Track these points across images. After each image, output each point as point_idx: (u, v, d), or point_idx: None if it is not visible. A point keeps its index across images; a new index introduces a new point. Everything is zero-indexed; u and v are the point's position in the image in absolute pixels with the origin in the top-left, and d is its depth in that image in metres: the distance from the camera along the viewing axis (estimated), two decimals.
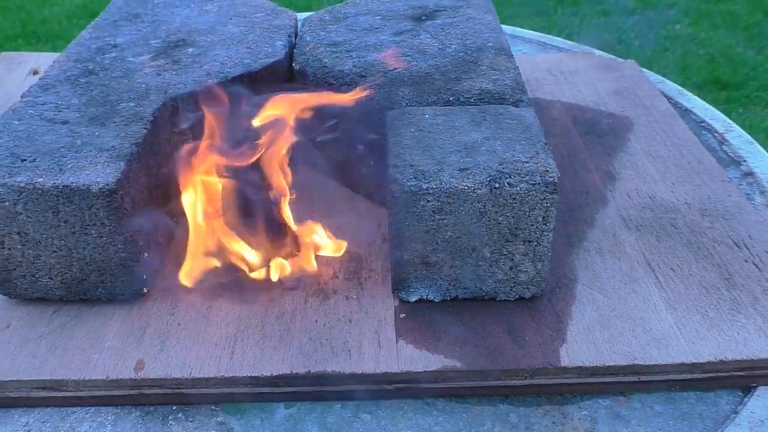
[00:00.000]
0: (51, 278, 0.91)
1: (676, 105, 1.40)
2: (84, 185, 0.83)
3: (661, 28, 3.52)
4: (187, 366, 0.85)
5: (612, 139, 1.26)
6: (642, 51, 3.32)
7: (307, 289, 0.97)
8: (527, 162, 0.86)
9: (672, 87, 1.48)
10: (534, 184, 0.84)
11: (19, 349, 0.88)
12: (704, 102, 1.42)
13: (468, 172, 0.85)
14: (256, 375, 0.84)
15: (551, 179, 0.84)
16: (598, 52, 1.57)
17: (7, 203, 0.84)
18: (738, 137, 1.30)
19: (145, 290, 0.94)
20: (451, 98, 1.01)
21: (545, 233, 0.87)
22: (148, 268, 0.94)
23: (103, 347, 0.88)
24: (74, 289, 0.92)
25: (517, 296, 0.93)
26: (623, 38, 3.48)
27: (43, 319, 0.92)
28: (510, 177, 0.84)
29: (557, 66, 1.49)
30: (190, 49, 1.12)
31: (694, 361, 0.84)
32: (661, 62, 3.10)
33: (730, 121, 1.35)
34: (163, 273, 0.98)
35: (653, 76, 1.50)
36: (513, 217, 0.86)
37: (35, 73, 1.47)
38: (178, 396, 0.86)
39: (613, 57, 1.55)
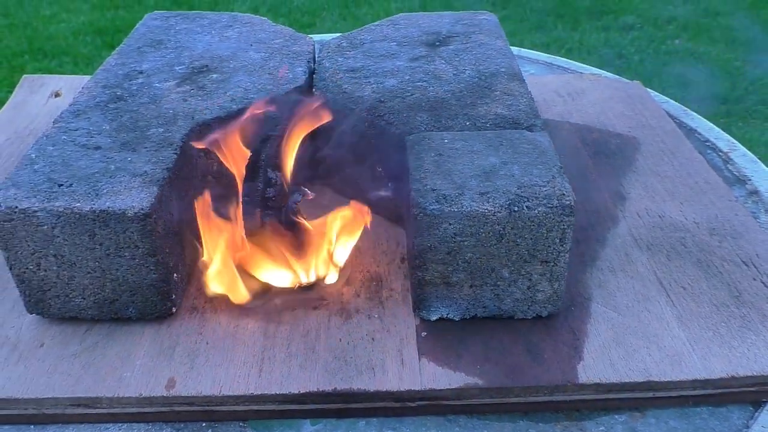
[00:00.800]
0: (84, 298, 0.94)
1: (680, 124, 1.44)
2: (120, 210, 0.86)
3: (661, 43, 3.58)
4: (217, 384, 0.88)
5: (620, 159, 1.29)
6: (642, 66, 3.38)
7: (330, 308, 1.00)
8: (544, 186, 0.89)
9: (676, 107, 1.52)
10: (551, 207, 0.87)
11: (53, 368, 0.91)
12: (708, 121, 1.46)
13: (488, 196, 0.88)
14: (284, 392, 0.88)
15: (567, 202, 0.87)
16: (604, 74, 1.61)
17: (46, 227, 0.87)
18: (742, 156, 1.34)
19: (174, 309, 0.97)
20: (467, 123, 1.04)
21: (562, 254, 0.91)
22: (176, 289, 0.97)
23: (135, 365, 0.91)
24: (106, 308, 0.95)
25: (535, 315, 0.96)
26: (623, 53, 3.53)
27: (76, 338, 0.95)
28: (528, 200, 0.88)
29: (564, 87, 1.53)
30: (214, 75, 1.16)
31: (707, 377, 0.87)
32: (661, 77, 3.16)
33: (734, 141, 1.39)
34: (190, 293, 1.02)
35: (658, 96, 1.54)
36: (531, 238, 0.89)
37: (57, 95, 1.50)
38: (207, 413, 0.89)
39: (619, 78, 1.59)
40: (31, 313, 0.96)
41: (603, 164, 1.28)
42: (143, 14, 4.08)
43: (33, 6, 3.95)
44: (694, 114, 1.48)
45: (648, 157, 1.29)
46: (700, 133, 1.41)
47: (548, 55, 1.79)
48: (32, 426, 0.89)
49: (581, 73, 1.63)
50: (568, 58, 1.85)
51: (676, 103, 1.52)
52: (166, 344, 0.94)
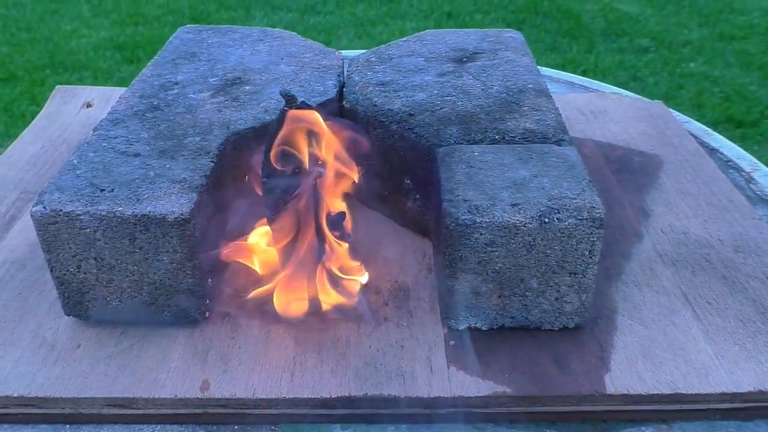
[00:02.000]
0: (121, 301, 0.96)
1: (702, 144, 1.46)
2: (161, 214, 0.89)
3: (676, 66, 3.60)
4: (251, 387, 0.90)
5: (643, 177, 1.31)
6: (657, 88, 3.40)
7: (360, 318, 1.01)
8: (575, 198, 0.91)
9: (698, 126, 1.54)
10: (581, 219, 0.89)
11: (90, 369, 0.92)
12: (730, 142, 1.47)
13: (519, 207, 0.90)
14: (316, 397, 0.89)
15: (598, 215, 0.89)
16: (626, 93, 1.63)
17: (88, 230, 0.89)
18: (765, 176, 1.35)
19: (207, 314, 0.99)
20: (497, 137, 1.06)
21: (590, 266, 0.92)
22: (211, 293, 0.99)
23: (170, 368, 0.93)
24: (142, 311, 0.97)
25: (562, 326, 0.97)
26: (638, 75, 3.56)
27: (112, 340, 0.97)
28: (559, 212, 0.89)
29: (587, 105, 1.56)
30: (247, 87, 1.18)
31: (735, 390, 0.88)
32: (676, 99, 3.18)
33: (757, 161, 1.40)
34: (222, 298, 1.04)
35: (679, 116, 1.56)
36: (561, 250, 0.91)
37: (89, 105, 1.54)
38: (240, 416, 0.90)
39: (641, 97, 1.62)
40: (69, 315, 0.98)
41: (626, 181, 1.30)
42: (162, 31, 4.16)
43: (55, 21, 4.03)
44: (716, 134, 1.50)
45: (671, 175, 1.31)
46: (722, 153, 1.42)
47: (569, 74, 1.81)
48: (68, 425, 0.91)
49: (603, 92, 1.65)
50: None
51: (698, 123, 1.53)
52: (200, 348, 0.96)
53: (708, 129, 1.53)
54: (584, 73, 3.47)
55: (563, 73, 1.80)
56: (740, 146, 1.47)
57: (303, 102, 0.99)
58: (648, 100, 1.60)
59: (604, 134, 1.45)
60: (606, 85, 1.74)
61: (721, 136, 1.50)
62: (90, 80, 3.36)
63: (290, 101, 0.96)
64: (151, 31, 3.87)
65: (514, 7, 4.23)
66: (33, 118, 1.49)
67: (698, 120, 1.59)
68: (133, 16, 4.06)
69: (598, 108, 1.55)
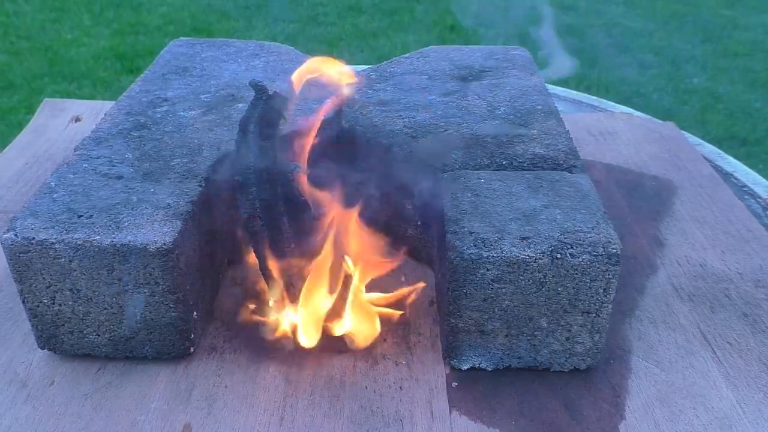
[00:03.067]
0: (99, 335, 0.89)
1: (716, 168, 1.39)
2: (141, 244, 0.82)
3: (680, 82, 3.56)
4: None
5: (657, 203, 1.24)
6: (660, 104, 3.35)
7: (356, 353, 0.95)
8: (589, 232, 0.85)
9: (711, 150, 1.47)
10: (597, 256, 0.82)
11: (64, 408, 0.86)
12: (745, 166, 1.41)
13: (529, 241, 0.84)
14: None
15: (614, 251, 0.83)
16: (635, 113, 1.57)
17: (63, 260, 0.83)
18: None
19: (192, 349, 0.92)
20: (504, 162, 1.00)
21: (605, 305, 0.86)
22: (196, 327, 0.92)
23: (150, 408, 0.86)
24: (121, 346, 0.90)
25: (572, 367, 0.91)
26: (641, 91, 3.51)
27: (88, 377, 0.90)
28: (572, 247, 0.83)
29: (596, 126, 1.49)
30: (240, 105, 1.12)
31: None
32: (680, 116, 3.13)
33: None
34: (209, 331, 0.97)
35: (691, 138, 1.50)
36: (573, 287, 0.84)
37: (77, 120, 1.48)
38: None
39: (652, 118, 1.55)
40: (43, 349, 0.91)
41: (639, 207, 1.24)
42: (162, 40, 4.12)
43: (55, 30, 3.98)
44: (730, 158, 1.43)
45: (686, 202, 1.25)
46: (737, 178, 1.36)
47: (576, 92, 1.75)
48: None
49: (612, 111, 1.59)
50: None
51: (711, 146, 1.47)
52: (183, 386, 0.89)
53: (721, 152, 1.47)
54: (587, 90, 3.42)
55: (570, 91, 1.74)
56: (745, 164, 1.41)
57: (275, 92, 0.94)
58: (659, 121, 1.54)
59: (614, 157, 1.39)
60: (614, 104, 1.68)
61: (736, 160, 1.43)
62: (89, 89, 3.31)
63: (261, 92, 0.92)
64: (151, 40, 3.83)
65: (515, 21, 4.18)
66: None
67: (703, 137, 1.53)
68: (134, 26, 4.02)
69: (607, 129, 1.49)
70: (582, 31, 4.09)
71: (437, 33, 4.00)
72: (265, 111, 0.93)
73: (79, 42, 3.84)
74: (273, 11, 4.36)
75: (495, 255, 0.83)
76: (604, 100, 1.70)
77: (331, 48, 3.76)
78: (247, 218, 0.89)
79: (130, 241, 0.82)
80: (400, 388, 0.90)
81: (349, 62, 1.33)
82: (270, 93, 0.94)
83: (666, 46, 3.94)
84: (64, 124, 1.49)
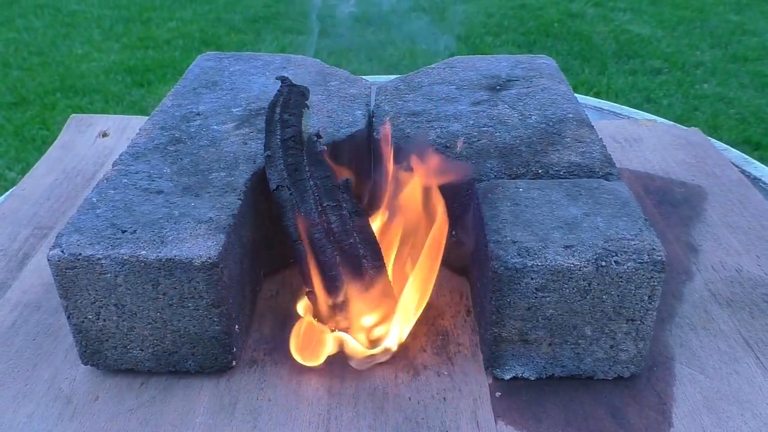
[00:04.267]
0: (142, 350, 0.89)
1: (744, 173, 1.39)
2: (187, 258, 0.82)
3: (690, 87, 3.56)
4: None
5: (688, 209, 1.24)
6: (671, 110, 3.35)
7: (396, 364, 0.95)
8: (632, 240, 0.85)
9: (737, 155, 1.47)
10: (642, 263, 0.82)
11: (109, 425, 0.86)
12: None
13: (573, 249, 0.84)
14: None
15: (659, 258, 0.82)
16: (659, 119, 1.57)
17: (109, 275, 0.83)
18: None
19: (234, 363, 0.92)
20: (540, 171, 1.00)
21: (649, 312, 0.85)
22: (237, 341, 0.92)
23: (195, 423, 0.86)
24: (164, 361, 0.90)
25: (616, 375, 0.90)
26: (651, 97, 3.52)
27: (132, 392, 0.90)
28: (617, 255, 0.83)
29: (621, 133, 1.50)
30: None
31: None
32: (692, 121, 3.13)
33: None
34: (249, 345, 0.97)
35: (717, 143, 1.50)
36: (618, 295, 0.84)
37: (104, 135, 1.48)
38: None
39: (676, 124, 1.55)
40: (86, 365, 0.91)
41: (669, 214, 1.23)
42: (172, 54, 4.14)
43: (66, 45, 4.01)
44: (757, 162, 1.43)
45: (716, 207, 1.24)
46: (765, 182, 1.36)
47: (597, 99, 1.75)
48: None
49: (636, 118, 1.59)
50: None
51: (737, 151, 1.47)
52: (227, 400, 0.89)
53: (747, 156, 1.47)
54: (597, 96, 3.42)
55: (591, 98, 1.74)
56: None
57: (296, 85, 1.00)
58: (684, 127, 1.54)
59: (641, 163, 1.39)
60: (635, 110, 1.68)
61: (762, 165, 1.43)
62: (101, 104, 3.33)
63: (284, 81, 0.99)
64: (161, 54, 3.85)
65: (524, 29, 4.20)
66: (43, 143, 1.44)
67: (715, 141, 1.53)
68: (144, 40, 4.04)
69: (632, 135, 1.49)
70: (590, 38, 4.09)
71: (445, 43, 4.02)
72: (289, 95, 0.98)
73: (89, 57, 3.87)
74: (281, 23, 4.38)
75: (539, 264, 0.83)
76: (626, 107, 1.70)
77: (339, 59, 3.78)
78: (275, 189, 0.90)
79: (175, 256, 0.82)
80: (444, 398, 0.89)
81: (358, 72, 1.34)
82: (293, 82, 1.00)
83: (675, 52, 3.95)
84: (91, 139, 1.49)
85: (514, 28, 4.24)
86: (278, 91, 1.01)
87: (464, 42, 4.11)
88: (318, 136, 0.95)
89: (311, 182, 0.89)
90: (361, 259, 0.86)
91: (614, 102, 2.96)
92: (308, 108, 1.00)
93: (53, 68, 3.70)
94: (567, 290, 0.84)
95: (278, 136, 0.93)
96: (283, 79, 1.02)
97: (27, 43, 4.01)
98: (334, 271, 0.86)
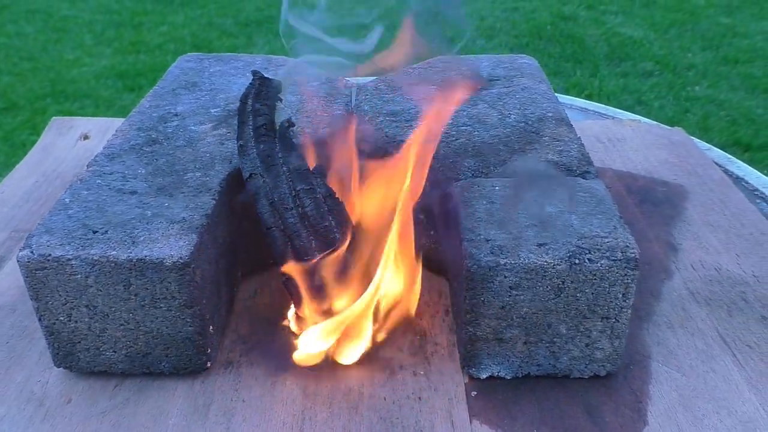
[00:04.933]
0: (115, 351, 0.89)
1: (726, 172, 1.39)
2: (158, 258, 0.82)
3: (681, 89, 3.56)
4: None
5: (669, 208, 1.24)
6: (663, 112, 3.35)
7: (372, 364, 0.94)
8: (606, 237, 0.84)
9: (720, 154, 1.47)
10: (615, 260, 0.82)
11: (82, 426, 0.85)
12: (756, 170, 1.41)
13: (546, 247, 0.83)
14: None
15: (632, 255, 0.82)
16: (643, 120, 1.57)
17: (79, 276, 0.82)
18: None
19: (209, 364, 0.92)
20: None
21: (624, 310, 0.85)
22: (212, 342, 0.92)
23: (168, 425, 0.85)
24: (138, 362, 0.90)
25: (592, 374, 0.90)
26: (643, 99, 3.52)
27: (105, 394, 0.90)
28: (590, 253, 0.82)
29: (605, 133, 1.50)
30: None
31: None
32: (683, 123, 3.13)
33: None
34: (224, 345, 0.97)
35: (700, 143, 1.50)
36: (592, 293, 0.84)
37: (85, 137, 1.48)
38: None
39: (659, 124, 1.55)
40: (59, 367, 0.91)
41: (651, 213, 1.23)
42: (164, 59, 4.12)
43: (57, 50, 4.00)
44: (740, 162, 1.43)
45: (697, 207, 1.24)
46: (748, 182, 1.36)
47: (582, 100, 1.75)
48: None
49: (620, 119, 1.59)
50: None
51: (720, 151, 1.47)
52: (201, 402, 0.88)
53: (730, 156, 1.47)
54: (588, 98, 3.43)
55: (576, 99, 1.74)
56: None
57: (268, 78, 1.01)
58: (667, 127, 1.54)
59: (624, 163, 1.39)
60: (621, 111, 1.68)
61: (745, 164, 1.43)
62: (91, 109, 3.32)
63: (256, 74, 1.00)
64: (152, 59, 3.84)
65: (516, 32, 4.20)
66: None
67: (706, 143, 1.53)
68: (135, 45, 4.03)
69: (616, 135, 1.49)
70: (582, 41, 4.10)
71: (435, 45, 4.02)
72: (261, 87, 0.98)
73: (80, 62, 3.86)
74: (273, 27, 4.38)
75: (512, 262, 0.82)
76: (611, 108, 1.70)
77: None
78: (249, 177, 0.89)
79: (146, 256, 0.82)
80: (419, 398, 0.89)
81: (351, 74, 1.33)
82: (264, 76, 1.01)
83: (666, 54, 3.95)
84: (72, 142, 1.49)
85: (506, 30, 4.24)
86: (250, 83, 1.01)
87: (454, 43, 4.11)
88: (290, 123, 0.95)
89: (284, 168, 0.89)
90: (336, 242, 0.86)
91: (606, 104, 2.96)
92: (281, 101, 1.00)
93: (44, 73, 3.69)
94: (541, 288, 0.84)
95: (250, 126, 0.93)
96: (255, 73, 1.02)
97: (18, 48, 4.00)
98: (309, 254, 0.86)
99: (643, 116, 1.64)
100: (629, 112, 1.70)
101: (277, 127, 0.95)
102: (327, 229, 0.86)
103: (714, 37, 4.17)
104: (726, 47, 4.01)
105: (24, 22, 4.44)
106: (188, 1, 4.80)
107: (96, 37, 4.22)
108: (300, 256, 0.86)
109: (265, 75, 1.01)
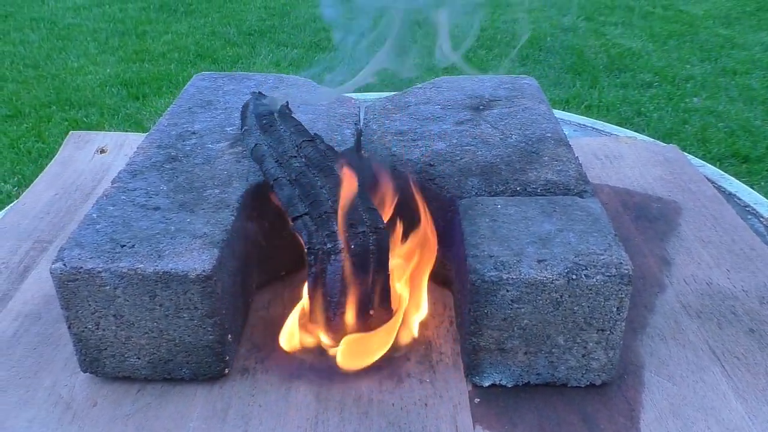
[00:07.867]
0: (139, 358, 0.94)
1: (719, 189, 1.45)
2: (183, 271, 0.87)
3: (680, 101, 3.62)
4: None
5: (663, 224, 1.30)
6: (661, 123, 3.41)
7: (381, 372, 0.99)
8: (602, 254, 0.90)
9: (713, 171, 1.53)
10: (610, 276, 0.87)
11: (108, 428, 0.90)
12: (747, 186, 1.47)
13: (546, 263, 0.89)
14: None
15: (626, 271, 0.88)
16: (639, 137, 1.63)
17: (108, 287, 0.88)
18: None
19: (227, 371, 0.97)
20: (518, 188, 1.05)
21: (618, 323, 0.91)
22: (230, 350, 0.97)
23: (188, 428, 0.90)
24: (160, 368, 0.95)
25: (588, 383, 0.95)
26: (642, 110, 3.57)
27: (128, 398, 0.95)
28: (586, 269, 0.88)
29: (602, 150, 1.55)
30: None
31: None
32: (681, 134, 3.18)
33: None
34: (241, 353, 1.02)
35: (694, 160, 1.55)
36: (588, 307, 0.89)
37: (102, 151, 1.53)
38: None
39: (656, 141, 1.61)
40: (86, 372, 0.96)
41: (645, 229, 1.29)
42: (168, 67, 4.16)
43: (61, 58, 4.06)
44: (732, 178, 1.49)
45: (690, 223, 1.30)
46: (739, 198, 1.42)
47: (579, 116, 1.81)
48: None
49: (617, 135, 1.65)
50: (587, 115, 1.87)
51: (714, 167, 1.53)
52: (219, 406, 0.94)
53: (723, 173, 1.52)
54: (588, 109, 3.48)
55: (574, 115, 1.80)
56: (746, 182, 1.46)
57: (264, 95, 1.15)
58: (662, 144, 1.60)
59: (620, 179, 1.44)
60: (618, 127, 1.74)
61: (738, 181, 1.49)
62: (96, 117, 3.37)
63: (253, 94, 1.15)
64: (156, 67, 3.90)
65: (516, 43, 4.26)
66: (39, 155, 1.48)
67: (704, 155, 1.58)
68: (139, 53, 4.09)
69: (612, 152, 1.55)
70: (581, 52, 4.16)
71: (435, 56, 4.07)
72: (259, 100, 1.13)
73: (85, 70, 3.91)
74: (276, 37, 4.43)
75: (514, 277, 0.88)
76: (608, 124, 1.76)
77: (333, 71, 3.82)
78: (254, 147, 1.03)
79: (171, 269, 0.87)
80: (426, 404, 0.94)
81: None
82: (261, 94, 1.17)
83: (665, 66, 4.01)
84: (89, 155, 1.55)
85: (506, 42, 4.30)
86: (250, 98, 1.15)
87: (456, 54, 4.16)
88: (287, 106, 1.05)
89: (285, 131, 1.01)
90: (339, 178, 0.96)
91: (605, 115, 3.00)
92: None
93: (48, 81, 3.74)
94: (540, 302, 0.89)
95: (252, 114, 1.05)
96: (254, 93, 1.16)
97: (22, 56, 4.05)
98: (315, 189, 0.93)
99: (642, 128, 1.70)
100: (628, 123, 1.76)
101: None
102: (331, 168, 0.93)
103: (712, 49, 4.23)
104: (724, 59, 4.07)
105: (29, 30, 4.50)
106: (192, 10, 4.87)
107: (100, 45, 4.28)
108: (307, 192, 0.95)
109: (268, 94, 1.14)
